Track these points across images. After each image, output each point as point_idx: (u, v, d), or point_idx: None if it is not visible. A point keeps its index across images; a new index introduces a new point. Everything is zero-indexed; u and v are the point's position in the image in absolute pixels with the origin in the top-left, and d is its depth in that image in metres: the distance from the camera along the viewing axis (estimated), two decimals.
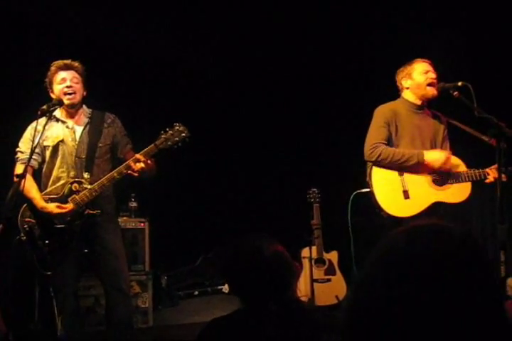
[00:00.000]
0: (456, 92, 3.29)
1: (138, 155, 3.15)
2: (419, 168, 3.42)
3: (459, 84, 3.29)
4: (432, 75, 3.51)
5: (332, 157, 5.56)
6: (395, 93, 3.70)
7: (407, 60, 3.66)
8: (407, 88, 3.57)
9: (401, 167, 3.41)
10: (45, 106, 3.18)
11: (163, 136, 3.18)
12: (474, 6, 4.89)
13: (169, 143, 3.17)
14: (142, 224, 4.69)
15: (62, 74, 3.29)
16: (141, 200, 4.90)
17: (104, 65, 4.79)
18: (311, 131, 5.82)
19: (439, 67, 3.62)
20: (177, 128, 3.21)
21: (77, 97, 3.31)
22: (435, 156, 3.40)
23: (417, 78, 3.52)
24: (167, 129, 3.21)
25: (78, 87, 3.31)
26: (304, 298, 4.43)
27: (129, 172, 3.14)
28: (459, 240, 1.06)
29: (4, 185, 3.16)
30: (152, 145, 3.17)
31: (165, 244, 5.04)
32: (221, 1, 5.31)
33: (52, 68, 3.32)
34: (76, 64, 3.34)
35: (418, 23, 5.13)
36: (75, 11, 4.78)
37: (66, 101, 3.28)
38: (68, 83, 3.27)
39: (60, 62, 3.33)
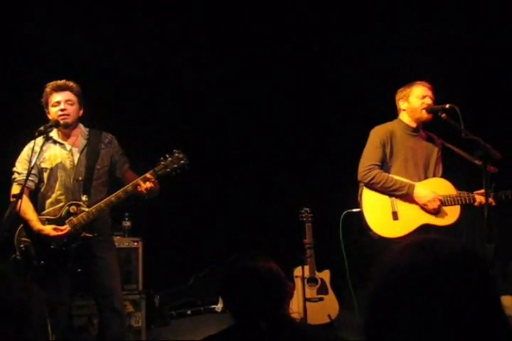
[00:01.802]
0: (444, 114, 3.37)
1: (148, 175, 3.15)
2: (407, 197, 3.46)
3: (447, 106, 3.37)
4: (429, 101, 3.55)
5: (324, 176, 5.62)
6: (388, 113, 3.74)
7: (403, 81, 3.70)
8: (404, 110, 3.62)
9: (390, 194, 3.46)
10: (42, 128, 3.21)
11: (162, 163, 3.19)
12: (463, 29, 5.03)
13: (168, 170, 3.17)
14: (136, 244, 4.70)
15: (57, 96, 3.30)
16: (134, 220, 4.93)
17: (103, 85, 4.84)
18: (303, 150, 5.89)
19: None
20: (176, 155, 3.20)
21: (71, 118, 3.32)
22: (424, 193, 3.43)
23: (413, 102, 3.57)
24: (166, 156, 3.20)
25: (72, 108, 3.32)
26: (296, 317, 4.45)
27: (137, 190, 3.14)
28: (461, 252, 1.11)
29: (1, 204, 3.18)
30: (151, 171, 3.17)
31: (158, 263, 5.06)
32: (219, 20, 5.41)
33: (47, 89, 3.32)
34: (71, 84, 3.34)
35: (417, 44, 5.23)
36: (70, 31, 4.84)
37: (61, 122, 3.30)
38: (62, 106, 3.29)
39: (54, 84, 3.33)
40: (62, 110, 3.28)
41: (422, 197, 3.42)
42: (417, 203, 3.46)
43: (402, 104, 3.62)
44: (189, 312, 5.48)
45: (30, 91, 4.14)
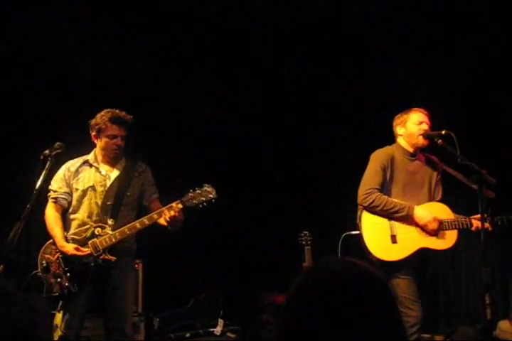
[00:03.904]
0: (440, 140, 3.45)
1: (173, 204, 3.20)
2: (407, 219, 3.51)
3: (443, 132, 3.45)
4: (425, 127, 3.61)
5: (323, 200, 5.67)
6: (388, 138, 3.80)
7: (400, 107, 3.78)
8: (401, 135, 3.69)
9: (390, 216, 3.50)
10: (47, 151, 3.23)
11: (190, 194, 3.23)
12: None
13: (195, 201, 3.21)
14: (137, 266, 4.72)
15: (115, 129, 3.35)
16: (135, 241, 4.94)
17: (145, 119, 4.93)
18: (303, 174, 5.95)
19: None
20: (205, 188, 3.25)
21: (121, 153, 3.43)
22: (424, 214, 3.48)
23: (410, 128, 3.64)
24: (196, 188, 3.25)
25: (124, 143, 3.41)
26: None
27: (161, 218, 3.20)
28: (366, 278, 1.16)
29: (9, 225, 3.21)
30: (178, 201, 3.21)
31: (157, 286, 5.07)
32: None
33: (106, 118, 3.34)
34: (129, 118, 3.39)
35: (415, 71, 5.36)
36: (77, 58, 4.98)
37: (111, 155, 3.40)
38: (119, 142, 3.36)
39: (116, 114, 3.35)
40: (118, 146, 3.36)
41: (422, 218, 3.47)
42: (416, 226, 3.50)
43: (399, 130, 3.69)
44: (188, 335, 5.46)
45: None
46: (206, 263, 5.75)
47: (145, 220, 3.24)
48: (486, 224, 3.18)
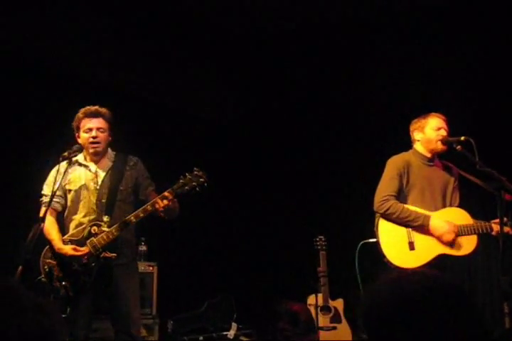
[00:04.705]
0: (459, 146, 3.41)
1: (166, 193, 3.16)
2: (422, 229, 3.46)
3: (462, 138, 3.42)
4: (444, 133, 3.58)
5: (339, 205, 5.65)
6: (405, 144, 3.77)
7: (416, 114, 3.74)
8: (418, 140, 3.65)
9: (405, 225, 3.47)
10: (66, 153, 3.27)
11: (181, 181, 3.18)
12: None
13: (187, 188, 3.16)
14: (151, 268, 4.74)
15: (89, 122, 3.35)
16: (150, 244, 4.97)
17: (129, 111, 4.97)
18: (320, 179, 5.93)
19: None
20: (196, 173, 3.19)
21: (102, 146, 3.38)
22: (440, 224, 3.43)
23: (429, 133, 3.60)
24: (186, 174, 3.20)
25: (103, 135, 3.37)
26: None
27: (155, 208, 3.15)
28: (446, 291, 1.17)
29: (27, 227, 3.24)
30: (169, 189, 3.17)
31: (172, 289, 5.08)
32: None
33: (80, 115, 3.36)
34: (104, 110, 3.38)
35: (433, 77, 5.34)
36: (79, 58, 5.01)
37: (90, 150, 3.36)
38: (94, 133, 3.33)
39: (87, 109, 3.37)
40: (93, 138, 3.32)
41: (438, 228, 3.42)
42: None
43: (416, 135, 3.65)
44: (201, 338, 5.45)
45: (54, 114, 4.28)
46: (220, 266, 5.75)
47: (140, 213, 3.20)
48: (506, 228, 3.14)
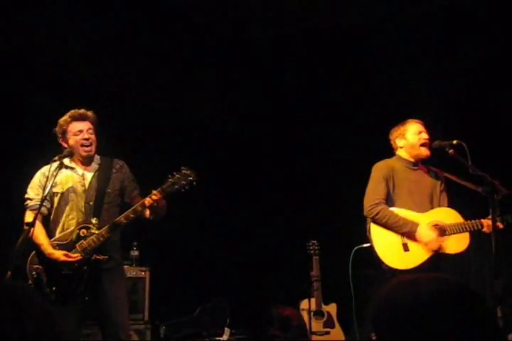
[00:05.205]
0: (451, 150, 3.42)
1: (154, 192, 3.16)
2: (409, 235, 3.46)
3: (454, 142, 3.42)
4: (425, 136, 3.63)
5: (332, 210, 5.64)
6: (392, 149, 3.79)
7: (401, 118, 3.78)
8: (401, 147, 3.69)
9: (393, 230, 3.48)
10: (56, 158, 3.25)
11: (169, 180, 3.18)
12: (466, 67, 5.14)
13: (176, 186, 3.16)
14: (143, 273, 4.71)
15: (78, 125, 3.34)
16: (142, 249, 4.94)
17: (113, 113, 4.93)
18: (314, 183, 5.92)
19: (434, 126, 3.75)
20: (184, 171, 3.20)
21: (93, 149, 3.38)
22: (427, 232, 3.44)
23: (411, 138, 3.64)
24: (174, 173, 3.21)
25: (93, 137, 3.37)
26: None
27: (145, 205, 3.16)
28: (459, 293, 1.18)
29: (13, 231, 3.21)
30: (159, 188, 3.17)
31: (164, 294, 5.05)
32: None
33: (67, 118, 3.35)
34: (90, 114, 3.38)
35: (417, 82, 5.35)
36: (80, 60, 4.99)
37: (83, 154, 3.35)
38: (85, 135, 3.32)
39: (74, 113, 3.36)
40: (86, 139, 3.32)
41: (424, 236, 3.43)
42: None
43: (399, 142, 3.69)
44: None
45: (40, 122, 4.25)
46: (213, 271, 5.72)
47: (129, 214, 3.20)
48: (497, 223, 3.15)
